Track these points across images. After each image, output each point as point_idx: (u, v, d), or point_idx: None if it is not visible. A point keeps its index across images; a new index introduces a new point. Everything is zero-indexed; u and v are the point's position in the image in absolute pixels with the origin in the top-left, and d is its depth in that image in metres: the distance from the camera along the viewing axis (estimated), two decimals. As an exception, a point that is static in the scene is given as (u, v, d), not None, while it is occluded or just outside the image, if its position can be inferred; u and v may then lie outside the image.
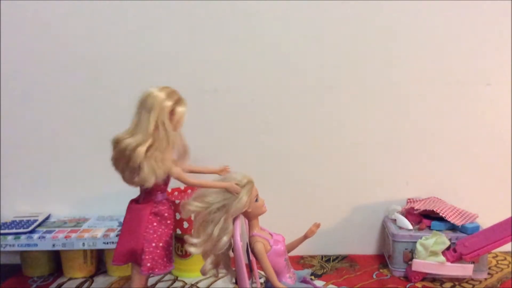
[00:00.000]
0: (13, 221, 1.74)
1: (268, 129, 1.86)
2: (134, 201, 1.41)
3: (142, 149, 1.25)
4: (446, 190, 1.89)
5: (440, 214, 1.71)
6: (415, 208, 1.77)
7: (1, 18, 1.75)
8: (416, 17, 1.79)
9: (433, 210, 1.73)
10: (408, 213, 1.80)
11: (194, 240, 1.26)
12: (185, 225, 1.68)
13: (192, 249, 1.25)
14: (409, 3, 1.77)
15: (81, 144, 1.83)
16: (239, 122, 1.85)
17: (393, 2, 1.77)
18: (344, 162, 1.89)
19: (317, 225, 1.36)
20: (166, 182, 1.38)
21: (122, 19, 1.77)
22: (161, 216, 1.38)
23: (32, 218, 1.77)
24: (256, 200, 1.30)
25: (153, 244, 1.35)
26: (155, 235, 1.36)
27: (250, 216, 1.31)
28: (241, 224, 1.27)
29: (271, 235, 1.33)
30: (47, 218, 1.83)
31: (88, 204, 1.88)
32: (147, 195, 1.38)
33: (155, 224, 1.37)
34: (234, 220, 1.26)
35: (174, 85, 1.74)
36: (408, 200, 1.89)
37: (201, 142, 1.82)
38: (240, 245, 1.24)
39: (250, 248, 1.30)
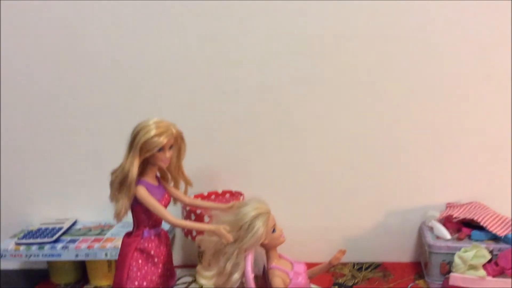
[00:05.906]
0: (39, 229, 1.73)
1: (295, 131, 1.75)
2: (127, 234, 1.35)
3: None
4: (489, 195, 1.73)
5: (481, 223, 1.59)
6: (454, 216, 1.65)
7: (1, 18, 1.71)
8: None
9: (473, 219, 1.61)
10: (447, 221, 1.68)
11: (206, 273, 1.18)
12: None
13: (203, 282, 1.18)
14: None
15: (108, 147, 1.78)
16: (262, 124, 1.76)
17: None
18: (379, 163, 1.77)
19: (343, 252, 1.27)
20: (153, 217, 1.30)
21: (137, 19, 1.69)
22: (148, 253, 1.31)
23: (58, 226, 1.76)
24: (274, 231, 1.21)
25: (136, 283, 1.28)
26: (138, 273, 1.28)
27: (267, 247, 1.23)
28: (253, 258, 1.19)
29: (292, 264, 1.25)
30: (73, 224, 1.82)
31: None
32: (137, 230, 1.32)
33: (140, 261, 1.29)
34: (246, 253, 1.18)
35: (193, 86, 1.70)
36: (448, 205, 1.76)
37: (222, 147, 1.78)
38: (252, 278, 1.16)
39: (268, 282, 1.22)
